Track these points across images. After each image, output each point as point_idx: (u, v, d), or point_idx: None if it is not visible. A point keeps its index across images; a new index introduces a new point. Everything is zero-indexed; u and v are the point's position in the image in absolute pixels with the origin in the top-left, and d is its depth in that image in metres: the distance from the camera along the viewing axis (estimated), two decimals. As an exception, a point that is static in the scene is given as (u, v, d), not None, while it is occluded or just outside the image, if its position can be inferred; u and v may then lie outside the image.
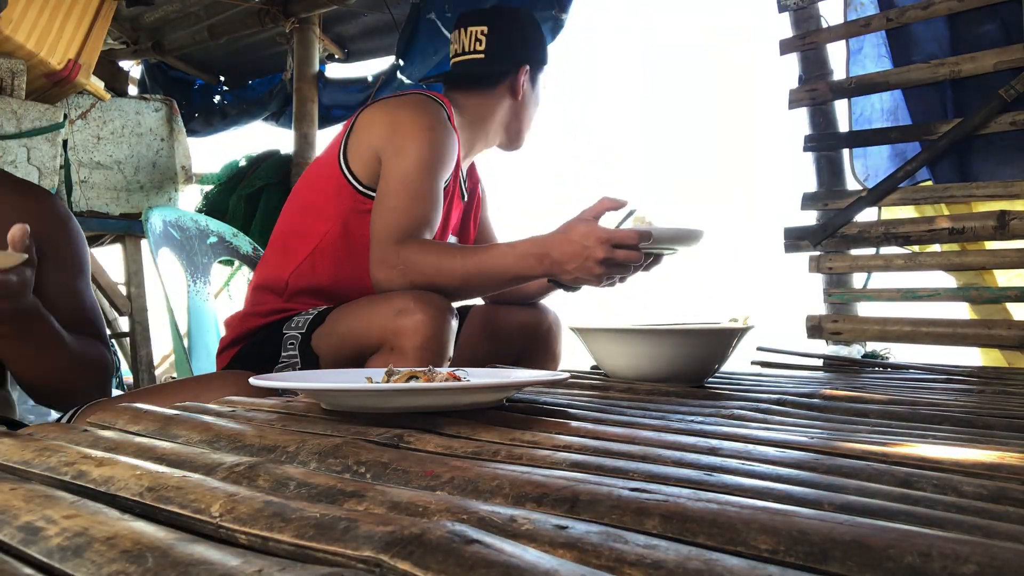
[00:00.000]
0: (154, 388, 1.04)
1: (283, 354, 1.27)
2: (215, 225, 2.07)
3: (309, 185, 1.42)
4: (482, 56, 1.44)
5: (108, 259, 3.16)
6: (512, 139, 1.52)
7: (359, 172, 1.33)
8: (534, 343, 1.53)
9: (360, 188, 1.33)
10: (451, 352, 1.18)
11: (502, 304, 1.58)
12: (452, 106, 1.43)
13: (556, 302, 1.60)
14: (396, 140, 1.29)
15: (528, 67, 1.47)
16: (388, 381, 0.71)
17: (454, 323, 1.19)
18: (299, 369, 1.26)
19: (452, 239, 1.50)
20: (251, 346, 1.34)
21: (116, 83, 3.47)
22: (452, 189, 1.43)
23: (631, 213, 1.22)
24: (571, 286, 1.41)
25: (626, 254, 1.09)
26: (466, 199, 1.53)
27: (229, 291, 3.07)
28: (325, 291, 1.35)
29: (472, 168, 1.58)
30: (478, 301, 1.62)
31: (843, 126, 2.46)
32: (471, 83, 1.47)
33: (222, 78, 3.86)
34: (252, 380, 0.72)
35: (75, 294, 1.12)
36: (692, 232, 1.15)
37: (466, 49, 1.45)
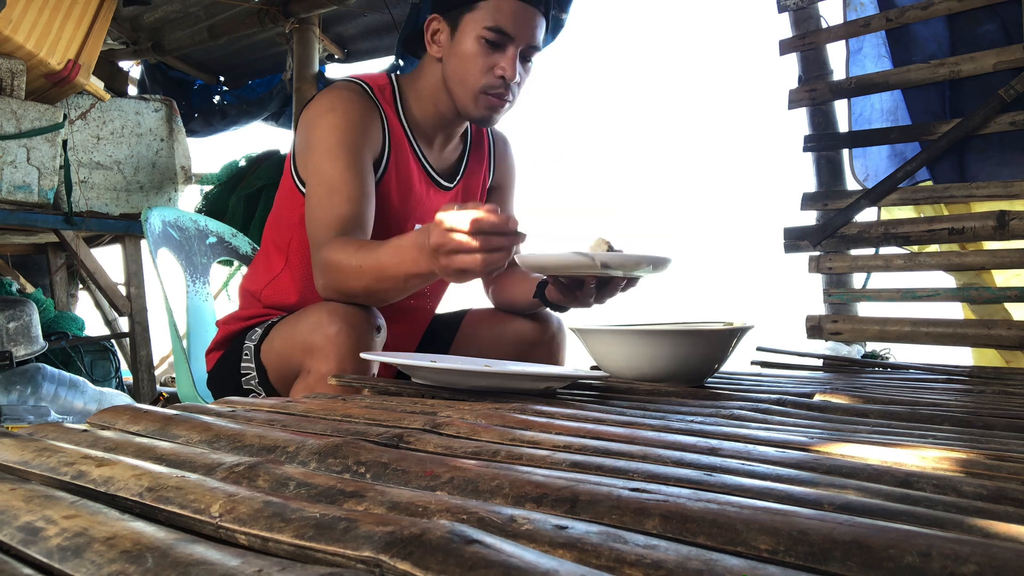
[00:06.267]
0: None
1: (242, 365, 1.23)
2: (214, 225, 2.07)
3: (280, 191, 1.39)
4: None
5: (108, 259, 3.17)
6: (460, 106, 1.28)
7: (303, 175, 1.27)
8: (537, 351, 1.43)
9: (304, 192, 1.26)
10: (375, 370, 1.08)
11: (504, 311, 1.50)
12: (400, 86, 1.34)
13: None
14: (307, 136, 1.24)
15: (438, 16, 1.25)
16: None
17: (377, 338, 1.10)
18: (257, 382, 1.22)
19: None
20: (230, 350, 1.30)
21: (116, 83, 3.47)
22: (407, 174, 1.32)
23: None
24: (561, 305, 1.36)
25: (460, 241, 0.89)
26: (455, 186, 1.41)
27: (228, 291, 3.07)
28: (296, 304, 1.30)
29: (482, 155, 1.46)
30: (475, 305, 1.58)
31: (843, 126, 2.46)
32: (412, 59, 1.41)
33: (222, 78, 3.86)
34: (363, 355, 0.86)
35: None
36: (658, 259, 1.06)
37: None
